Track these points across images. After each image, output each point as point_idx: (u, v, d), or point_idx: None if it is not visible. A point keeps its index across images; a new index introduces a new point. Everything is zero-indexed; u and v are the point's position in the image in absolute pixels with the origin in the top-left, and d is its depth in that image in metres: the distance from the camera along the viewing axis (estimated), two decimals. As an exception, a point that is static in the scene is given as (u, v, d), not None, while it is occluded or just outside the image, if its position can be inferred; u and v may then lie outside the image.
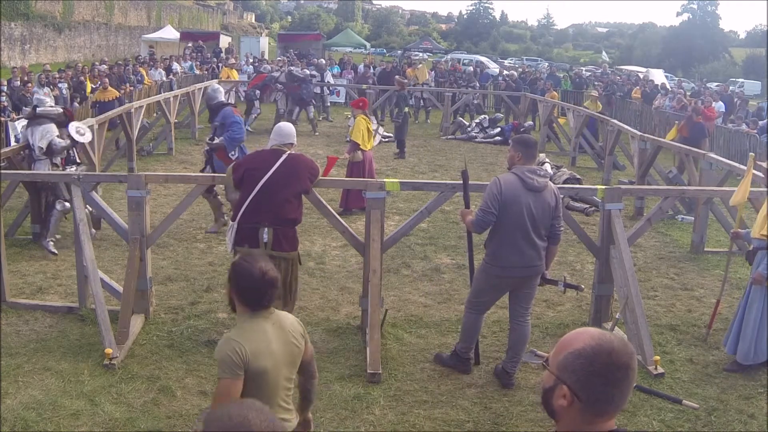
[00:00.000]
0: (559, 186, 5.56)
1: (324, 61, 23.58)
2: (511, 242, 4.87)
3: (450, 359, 5.31)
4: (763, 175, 6.13)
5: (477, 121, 18.38)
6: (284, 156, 5.30)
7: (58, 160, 7.92)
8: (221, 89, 9.19)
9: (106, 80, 14.64)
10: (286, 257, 5.27)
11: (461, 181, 5.49)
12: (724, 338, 5.75)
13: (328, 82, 21.09)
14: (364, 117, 10.05)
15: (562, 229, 5.12)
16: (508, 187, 4.84)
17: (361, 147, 9.80)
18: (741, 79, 47.26)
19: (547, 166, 12.06)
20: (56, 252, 7.58)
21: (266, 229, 5.18)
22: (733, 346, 5.58)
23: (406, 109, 15.23)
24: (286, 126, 5.63)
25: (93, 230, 7.80)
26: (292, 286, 5.45)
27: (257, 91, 17.31)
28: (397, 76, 18.79)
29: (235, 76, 21.52)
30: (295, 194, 5.30)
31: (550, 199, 4.93)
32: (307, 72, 18.61)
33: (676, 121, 14.33)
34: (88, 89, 15.96)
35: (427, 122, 20.67)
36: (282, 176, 5.23)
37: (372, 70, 23.49)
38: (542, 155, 13.28)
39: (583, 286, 5.58)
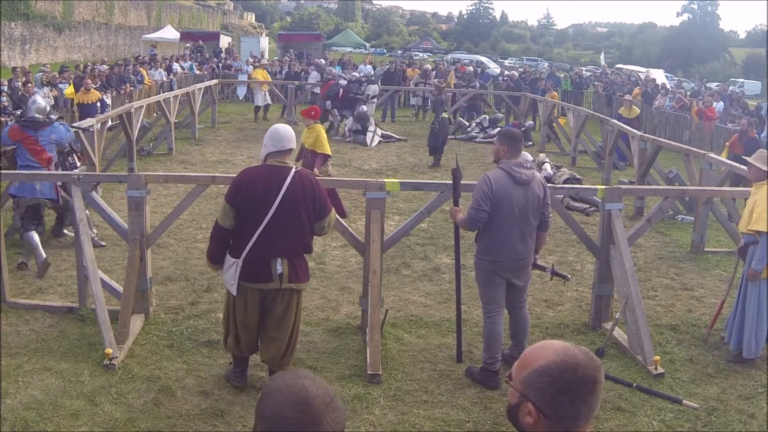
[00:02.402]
0: (559, 186, 5.58)
1: (324, 61, 23.60)
2: (503, 237, 4.93)
3: (479, 374, 5.19)
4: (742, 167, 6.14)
5: (477, 121, 18.38)
6: (291, 176, 4.54)
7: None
8: (37, 101, 7.78)
9: (89, 82, 14.60)
10: (299, 288, 4.74)
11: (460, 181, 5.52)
12: (726, 336, 5.81)
13: (254, 78, 21.12)
14: (321, 126, 9.52)
15: (551, 216, 5.23)
16: (498, 184, 4.90)
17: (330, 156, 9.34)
18: (741, 79, 47.30)
19: (547, 166, 12.07)
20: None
21: (280, 260, 4.57)
22: (736, 342, 5.65)
23: (444, 115, 14.36)
24: (284, 129, 4.80)
25: (93, 230, 7.83)
26: (296, 323, 4.84)
27: (328, 102, 16.59)
28: (435, 80, 18.27)
29: (267, 76, 21.43)
30: (309, 218, 4.63)
31: (538, 190, 5.01)
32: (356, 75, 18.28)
33: (727, 143, 13.44)
34: (69, 90, 15.84)
35: (425, 120, 20.70)
36: (293, 200, 4.52)
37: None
38: (542, 155, 13.29)
39: (570, 276, 5.64)
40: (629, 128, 12.30)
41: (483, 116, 18.68)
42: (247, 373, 4.96)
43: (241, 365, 4.93)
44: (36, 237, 7.25)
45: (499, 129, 17.37)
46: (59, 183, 7.35)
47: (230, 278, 4.62)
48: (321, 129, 9.33)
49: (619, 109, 16.39)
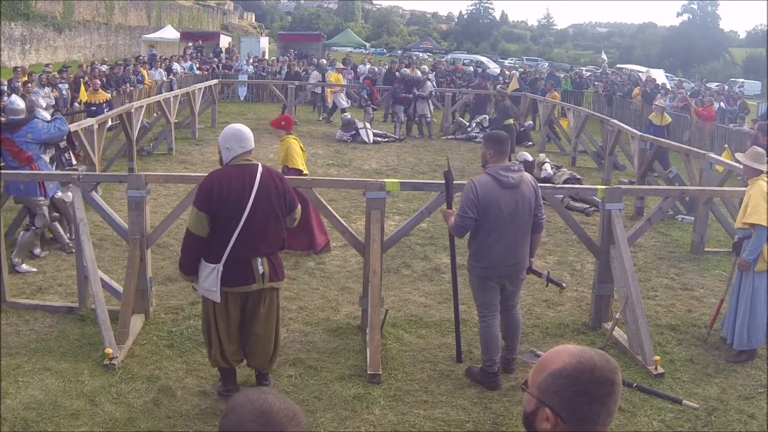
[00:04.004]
0: (559, 186, 5.57)
1: (325, 61, 23.58)
2: (493, 243, 4.88)
3: (479, 375, 5.19)
4: (741, 166, 6.17)
5: (477, 120, 18.37)
6: (260, 172, 4.49)
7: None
8: (14, 102, 7.71)
9: (97, 82, 14.65)
10: (278, 287, 4.69)
11: (459, 183, 5.50)
12: (723, 331, 5.86)
13: (329, 81, 21.09)
14: (293, 137, 8.27)
15: (544, 217, 5.17)
16: (484, 190, 4.84)
17: (303, 173, 8.06)
18: (741, 79, 47.31)
19: (547, 166, 12.07)
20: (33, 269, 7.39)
21: (260, 260, 4.49)
22: (731, 335, 5.72)
23: (511, 121, 13.90)
24: (245, 128, 4.70)
25: (38, 250, 7.74)
26: (279, 323, 4.81)
27: (364, 91, 17.76)
28: (499, 86, 18.18)
29: (341, 80, 21.36)
30: (282, 212, 4.60)
31: (528, 192, 4.94)
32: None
33: (725, 145, 12.99)
34: (82, 92, 15.89)
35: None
36: (267, 195, 4.47)
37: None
38: (542, 155, 13.28)
39: (565, 285, 5.63)
40: (629, 128, 12.28)
41: (483, 116, 18.65)
42: (237, 386, 4.81)
43: (231, 379, 4.79)
44: (27, 238, 7.31)
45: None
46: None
47: (212, 285, 4.43)
48: (292, 141, 8.13)
49: (650, 115, 14.54)
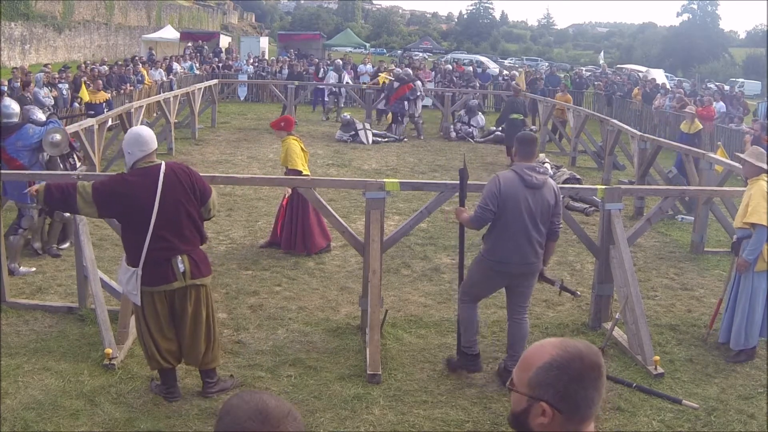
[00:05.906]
0: (559, 186, 5.56)
1: (340, 62, 23.36)
2: (509, 238, 4.91)
3: (459, 361, 5.21)
4: (740, 166, 6.17)
5: (457, 117, 18.28)
6: (163, 171, 4.45)
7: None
8: (9, 106, 7.50)
9: (99, 82, 14.66)
10: (204, 283, 4.63)
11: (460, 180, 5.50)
12: (720, 331, 5.84)
13: (347, 83, 21.08)
14: (294, 138, 8.12)
15: (560, 226, 5.16)
16: (507, 185, 4.89)
17: (303, 173, 7.89)
18: (741, 79, 47.32)
19: (547, 166, 12.07)
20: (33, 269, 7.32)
21: (180, 258, 4.49)
22: (725, 334, 5.71)
23: (518, 116, 13.81)
24: (146, 131, 4.66)
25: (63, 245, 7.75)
26: (211, 319, 4.71)
27: (405, 103, 17.04)
28: (513, 82, 18.17)
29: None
30: (194, 206, 4.56)
31: (549, 196, 4.96)
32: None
33: (719, 142, 12.67)
34: (84, 92, 15.92)
35: (432, 121, 20.73)
36: (173, 193, 4.44)
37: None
38: (542, 155, 13.27)
39: (579, 293, 5.62)
40: (629, 128, 12.25)
41: (461, 111, 18.51)
42: (179, 386, 4.80)
43: (170, 380, 4.74)
44: (16, 242, 7.17)
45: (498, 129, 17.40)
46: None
47: (132, 288, 4.49)
48: (292, 142, 7.99)
49: (681, 124, 13.07)
